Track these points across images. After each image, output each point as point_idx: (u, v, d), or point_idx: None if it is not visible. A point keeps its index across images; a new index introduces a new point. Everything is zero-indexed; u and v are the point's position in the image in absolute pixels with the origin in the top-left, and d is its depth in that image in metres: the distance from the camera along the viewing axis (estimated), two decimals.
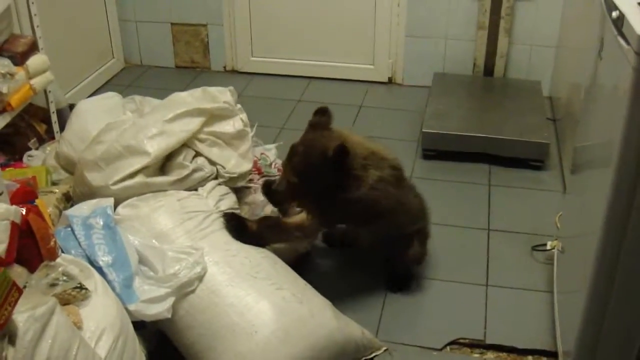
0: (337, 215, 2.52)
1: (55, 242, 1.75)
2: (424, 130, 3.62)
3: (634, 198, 1.79)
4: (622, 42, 1.75)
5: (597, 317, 2.01)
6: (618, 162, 1.77)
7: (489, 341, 2.53)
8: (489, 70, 4.25)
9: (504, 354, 2.50)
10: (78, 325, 1.59)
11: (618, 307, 1.96)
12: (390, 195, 2.47)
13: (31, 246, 1.72)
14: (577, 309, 2.07)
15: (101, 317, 1.66)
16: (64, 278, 1.71)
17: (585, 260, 2.01)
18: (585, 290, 2.00)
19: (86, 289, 1.72)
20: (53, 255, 1.74)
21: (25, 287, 1.66)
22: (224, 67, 4.74)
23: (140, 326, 2.24)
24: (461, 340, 2.54)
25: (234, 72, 4.73)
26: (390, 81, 4.53)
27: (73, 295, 1.69)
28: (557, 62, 4.16)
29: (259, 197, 2.65)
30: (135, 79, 4.66)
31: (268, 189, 2.53)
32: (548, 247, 2.85)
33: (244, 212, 2.62)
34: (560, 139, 3.74)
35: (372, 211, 2.46)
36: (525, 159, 3.55)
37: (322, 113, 2.48)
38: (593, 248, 1.93)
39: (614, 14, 1.82)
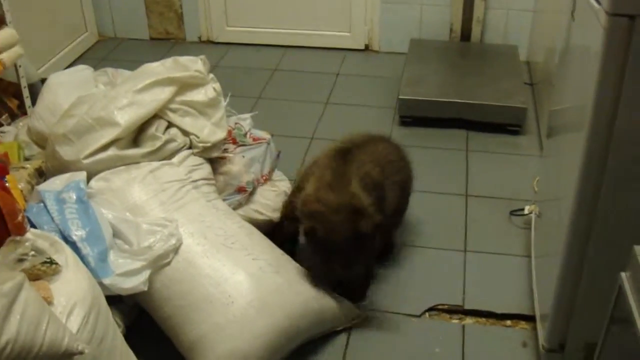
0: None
1: (23, 217, 1.72)
2: (400, 96, 3.60)
3: (606, 160, 1.79)
4: (593, 1, 1.74)
5: (572, 280, 2.02)
6: (590, 125, 1.77)
7: (467, 306, 2.54)
8: (465, 35, 4.23)
9: (483, 319, 2.50)
10: (48, 301, 1.57)
11: (592, 270, 1.97)
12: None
13: None
14: (554, 272, 2.08)
15: (72, 291, 1.64)
16: (33, 253, 1.68)
17: (561, 224, 2.01)
18: (561, 253, 2.01)
19: (56, 263, 1.69)
20: (21, 230, 1.71)
21: None
22: (199, 38, 4.69)
23: (117, 300, 2.23)
24: (440, 306, 2.54)
25: (209, 42, 4.68)
26: (367, 48, 4.50)
27: (43, 270, 1.67)
28: (534, 26, 4.14)
29: (234, 167, 2.62)
30: (109, 52, 4.60)
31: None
32: (526, 212, 2.85)
33: (219, 183, 2.60)
34: (538, 103, 3.74)
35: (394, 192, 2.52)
36: (503, 124, 3.54)
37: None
38: (568, 211, 1.93)
39: None
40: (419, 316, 2.50)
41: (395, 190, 2.53)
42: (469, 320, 2.50)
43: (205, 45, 4.66)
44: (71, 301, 1.61)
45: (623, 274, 1.55)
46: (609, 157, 1.79)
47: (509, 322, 2.49)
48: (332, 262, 2.30)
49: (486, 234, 2.88)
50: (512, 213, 2.94)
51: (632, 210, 1.86)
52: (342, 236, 2.24)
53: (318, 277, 2.38)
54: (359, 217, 2.25)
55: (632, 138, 1.76)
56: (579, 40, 2.09)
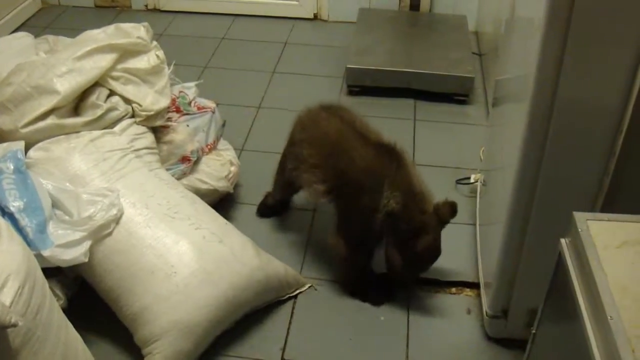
0: None
1: None
2: (348, 66, 3.58)
3: (548, 129, 1.81)
4: None
5: (515, 248, 2.04)
6: (533, 93, 1.78)
7: None
8: (415, 5, 4.20)
9: (427, 286, 2.52)
10: None
11: (535, 237, 1.99)
12: None
13: None
14: (497, 240, 2.10)
15: (6, 263, 1.59)
16: None
17: (505, 192, 2.03)
18: (504, 221, 2.03)
19: None
20: None
21: None
22: (146, 6, 4.60)
23: (58, 272, 2.19)
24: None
25: (156, 10, 4.59)
26: (316, 17, 4.46)
27: None
28: None
29: (178, 136, 2.58)
30: (53, 20, 4.49)
31: None
32: (472, 180, 2.88)
33: (163, 152, 2.55)
34: (485, 73, 3.75)
35: None
36: (450, 94, 3.55)
37: None
38: (511, 179, 1.94)
39: None
40: None
41: None
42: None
43: (151, 13, 4.57)
44: (4, 273, 1.56)
45: (563, 240, 1.57)
46: (551, 126, 1.80)
47: (453, 290, 2.51)
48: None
49: None
50: (459, 182, 2.96)
51: (573, 178, 1.88)
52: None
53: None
54: None
55: (573, 107, 1.77)
56: (524, 10, 2.10)
